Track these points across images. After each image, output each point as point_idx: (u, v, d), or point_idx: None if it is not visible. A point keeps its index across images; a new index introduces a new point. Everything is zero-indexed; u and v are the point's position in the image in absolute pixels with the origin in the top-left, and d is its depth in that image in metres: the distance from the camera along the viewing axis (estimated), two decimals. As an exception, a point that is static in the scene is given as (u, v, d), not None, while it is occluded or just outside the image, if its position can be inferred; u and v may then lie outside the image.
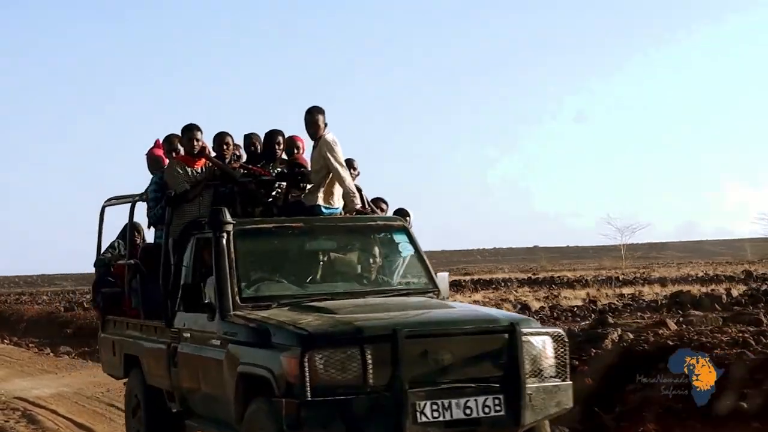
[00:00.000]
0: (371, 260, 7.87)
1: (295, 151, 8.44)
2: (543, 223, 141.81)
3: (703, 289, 27.92)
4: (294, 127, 8.42)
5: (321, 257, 7.80)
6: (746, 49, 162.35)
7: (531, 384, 6.38)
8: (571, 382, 6.67)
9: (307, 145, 8.38)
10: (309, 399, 5.98)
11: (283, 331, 6.39)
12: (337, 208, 8.01)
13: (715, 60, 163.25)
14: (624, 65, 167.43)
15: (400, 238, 7.95)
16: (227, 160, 8.31)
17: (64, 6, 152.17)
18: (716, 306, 19.68)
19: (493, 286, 41.91)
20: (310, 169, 8.14)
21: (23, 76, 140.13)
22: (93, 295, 9.81)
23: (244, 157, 8.57)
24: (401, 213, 8.39)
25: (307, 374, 5.99)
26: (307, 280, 7.55)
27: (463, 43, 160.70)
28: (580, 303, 25.05)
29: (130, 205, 9.22)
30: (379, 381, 6.10)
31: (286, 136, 8.46)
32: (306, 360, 6.00)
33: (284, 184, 8.24)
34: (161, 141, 8.93)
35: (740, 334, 10.42)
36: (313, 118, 7.88)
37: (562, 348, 6.65)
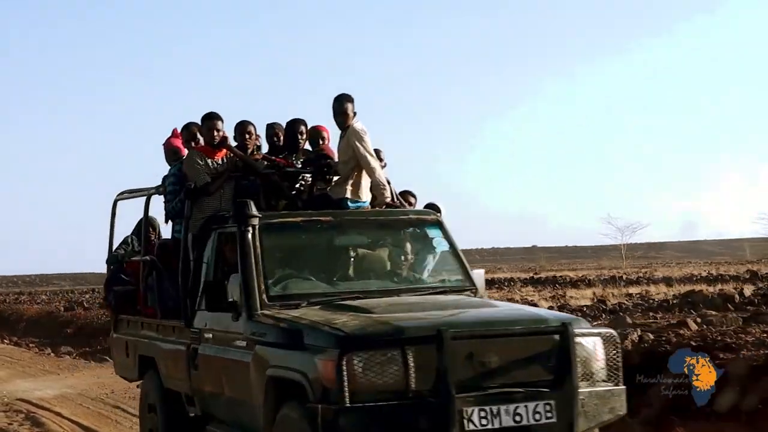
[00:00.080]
0: (402, 256, 7.46)
1: (321, 142, 8.03)
2: (541, 223, 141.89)
3: (711, 289, 27.58)
4: (316, 117, 8.08)
5: (351, 253, 7.37)
6: (746, 49, 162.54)
7: (583, 389, 5.98)
8: (624, 387, 6.26)
9: (332, 136, 7.97)
10: (348, 405, 5.58)
11: (318, 331, 5.98)
12: (365, 202, 7.61)
13: (716, 60, 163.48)
14: (624, 65, 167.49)
15: (434, 233, 7.54)
16: (249, 151, 7.86)
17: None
18: (729, 306, 19.33)
19: (496, 285, 41.47)
20: (336, 160, 7.72)
21: (23, 76, 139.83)
22: (105, 293, 9.37)
23: (265, 148, 8.13)
24: (432, 208, 7.95)
25: (345, 378, 5.58)
26: (337, 278, 7.13)
27: (464, 43, 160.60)
28: (588, 303, 24.69)
29: (144, 198, 8.77)
30: (422, 386, 5.68)
31: (308, 126, 8.04)
32: (344, 363, 5.59)
33: (309, 176, 7.81)
34: (179, 130, 8.44)
35: (765, 335, 10.19)
36: (342, 106, 7.47)
37: (614, 350, 6.24)
